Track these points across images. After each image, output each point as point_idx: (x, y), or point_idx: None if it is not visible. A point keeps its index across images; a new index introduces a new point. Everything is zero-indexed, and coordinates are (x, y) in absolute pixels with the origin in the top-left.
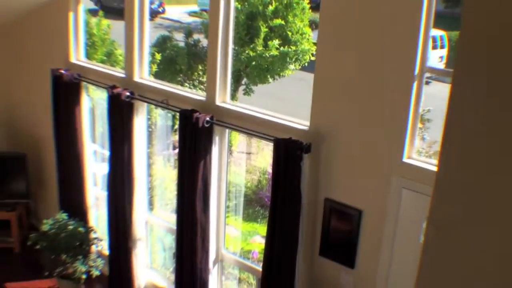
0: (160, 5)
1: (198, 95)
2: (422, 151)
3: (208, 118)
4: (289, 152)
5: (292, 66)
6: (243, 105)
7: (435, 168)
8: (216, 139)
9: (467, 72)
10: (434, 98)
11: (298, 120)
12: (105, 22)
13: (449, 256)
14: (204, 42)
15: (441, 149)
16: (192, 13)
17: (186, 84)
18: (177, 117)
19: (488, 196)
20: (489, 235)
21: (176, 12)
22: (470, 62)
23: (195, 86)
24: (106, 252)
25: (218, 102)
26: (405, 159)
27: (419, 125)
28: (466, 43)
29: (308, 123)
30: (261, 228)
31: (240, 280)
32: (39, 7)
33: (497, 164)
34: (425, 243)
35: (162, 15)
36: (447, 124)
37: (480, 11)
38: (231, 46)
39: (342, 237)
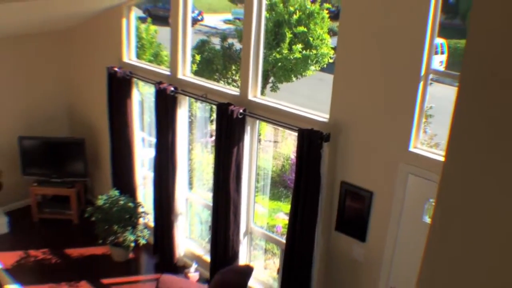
0: (199, 14)
1: (233, 90)
2: (424, 142)
3: (241, 111)
4: (311, 140)
5: (312, 67)
6: (272, 100)
7: (436, 157)
8: (248, 129)
9: (471, 75)
10: (435, 97)
11: (319, 113)
12: (153, 27)
13: (454, 236)
14: (237, 45)
15: (448, 140)
16: (226, 21)
17: (221, 82)
18: (214, 109)
19: (490, 182)
20: (491, 215)
21: (213, 20)
22: (473, 65)
23: (229, 83)
24: (151, 224)
25: (250, 96)
26: (411, 149)
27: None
28: (471, 48)
29: (327, 116)
30: (284, 206)
31: (266, 250)
32: (97, 15)
33: (499, 154)
34: (432, 224)
35: (201, 23)
36: (455, 117)
37: (484, 29)
38: (262, 49)
39: (355, 215)
